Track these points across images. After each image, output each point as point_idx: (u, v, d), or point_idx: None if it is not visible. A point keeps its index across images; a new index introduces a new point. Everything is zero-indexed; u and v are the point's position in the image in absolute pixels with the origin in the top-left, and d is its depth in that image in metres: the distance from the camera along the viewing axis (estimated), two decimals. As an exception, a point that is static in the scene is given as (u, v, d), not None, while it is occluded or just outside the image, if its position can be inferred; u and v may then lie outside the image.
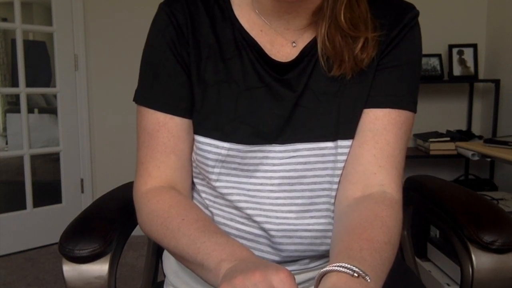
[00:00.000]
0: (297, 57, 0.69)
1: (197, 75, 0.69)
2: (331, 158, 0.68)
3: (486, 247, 0.70)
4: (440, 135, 2.50)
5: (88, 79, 2.75)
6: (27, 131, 2.63)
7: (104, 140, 2.81)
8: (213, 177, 0.69)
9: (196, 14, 0.69)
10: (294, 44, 0.70)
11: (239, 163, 0.68)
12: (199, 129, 0.69)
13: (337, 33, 0.66)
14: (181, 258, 0.63)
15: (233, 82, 0.68)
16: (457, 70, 2.65)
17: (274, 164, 0.68)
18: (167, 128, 0.69)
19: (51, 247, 2.62)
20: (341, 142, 0.68)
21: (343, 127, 0.68)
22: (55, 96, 2.78)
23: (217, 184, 0.69)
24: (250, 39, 0.69)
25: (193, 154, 0.71)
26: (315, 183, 0.69)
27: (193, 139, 0.71)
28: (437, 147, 2.42)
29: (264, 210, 0.69)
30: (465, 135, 2.57)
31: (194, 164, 0.73)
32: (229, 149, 0.67)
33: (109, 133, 2.81)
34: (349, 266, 0.50)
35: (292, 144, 0.68)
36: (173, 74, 0.69)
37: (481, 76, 2.76)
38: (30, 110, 3.94)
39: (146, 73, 0.71)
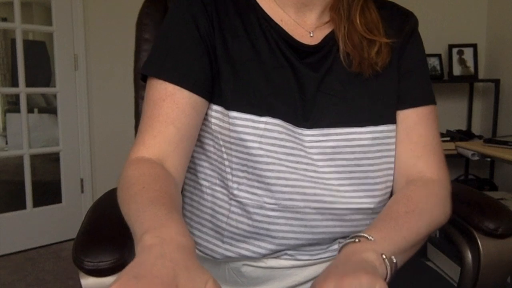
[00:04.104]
0: (319, 43, 0.73)
1: (224, 54, 0.70)
2: (360, 142, 0.70)
3: (490, 233, 0.77)
4: (440, 135, 2.50)
5: (88, 79, 2.74)
6: (27, 131, 2.63)
7: (104, 140, 2.81)
8: (253, 151, 0.68)
9: None
10: (311, 34, 0.73)
11: (275, 138, 0.68)
12: (234, 105, 0.68)
13: (355, 34, 0.72)
14: (129, 226, 0.57)
15: (261, 61, 0.70)
16: (457, 70, 2.65)
17: (304, 147, 0.70)
18: (173, 99, 0.67)
19: (51, 247, 2.61)
20: (374, 128, 0.71)
21: (376, 114, 0.72)
22: (55, 96, 2.77)
23: (257, 158, 0.68)
24: (274, 23, 0.72)
25: (225, 135, 0.69)
26: (343, 165, 0.70)
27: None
28: (437, 147, 2.41)
29: (297, 186, 0.69)
30: (465, 135, 2.57)
31: (222, 149, 0.70)
32: (266, 123, 0.68)
33: (109, 133, 2.81)
34: (355, 235, 0.60)
35: (321, 128, 0.70)
36: (190, 47, 0.69)
37: (481, 76, 2.76)
38: (30, 110, 3.94)
39: (160, 46, 0.71)
